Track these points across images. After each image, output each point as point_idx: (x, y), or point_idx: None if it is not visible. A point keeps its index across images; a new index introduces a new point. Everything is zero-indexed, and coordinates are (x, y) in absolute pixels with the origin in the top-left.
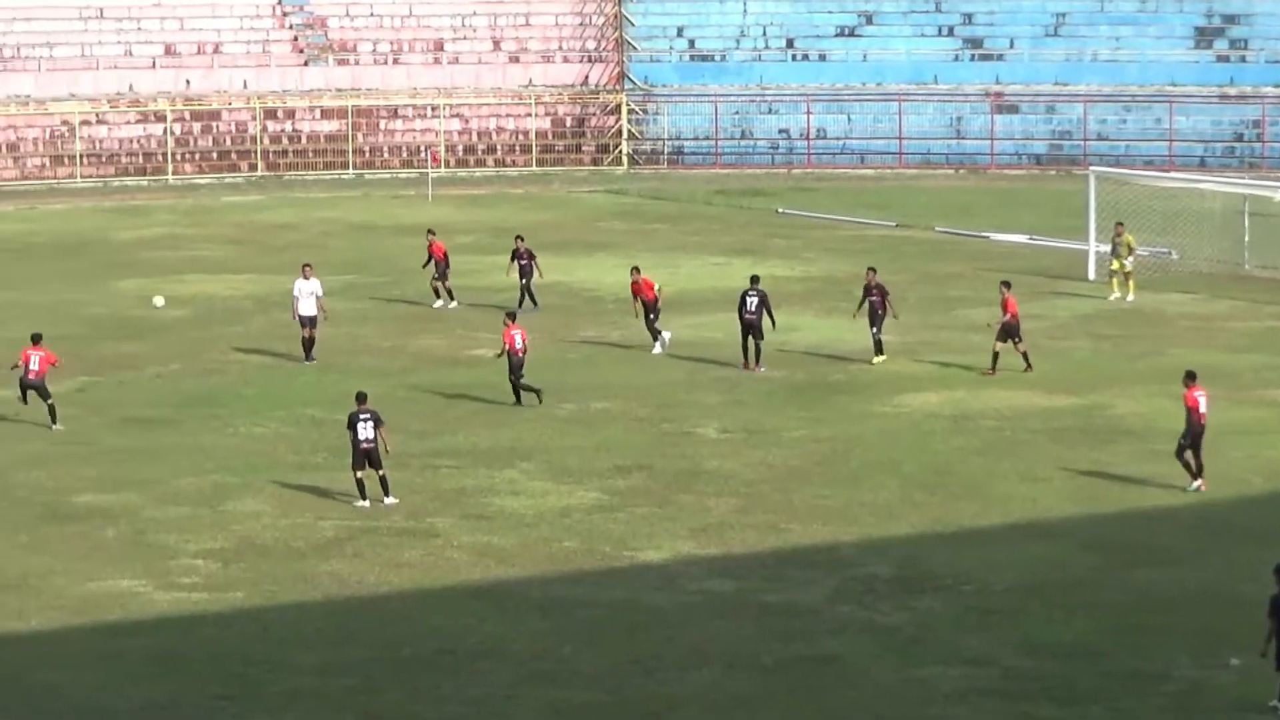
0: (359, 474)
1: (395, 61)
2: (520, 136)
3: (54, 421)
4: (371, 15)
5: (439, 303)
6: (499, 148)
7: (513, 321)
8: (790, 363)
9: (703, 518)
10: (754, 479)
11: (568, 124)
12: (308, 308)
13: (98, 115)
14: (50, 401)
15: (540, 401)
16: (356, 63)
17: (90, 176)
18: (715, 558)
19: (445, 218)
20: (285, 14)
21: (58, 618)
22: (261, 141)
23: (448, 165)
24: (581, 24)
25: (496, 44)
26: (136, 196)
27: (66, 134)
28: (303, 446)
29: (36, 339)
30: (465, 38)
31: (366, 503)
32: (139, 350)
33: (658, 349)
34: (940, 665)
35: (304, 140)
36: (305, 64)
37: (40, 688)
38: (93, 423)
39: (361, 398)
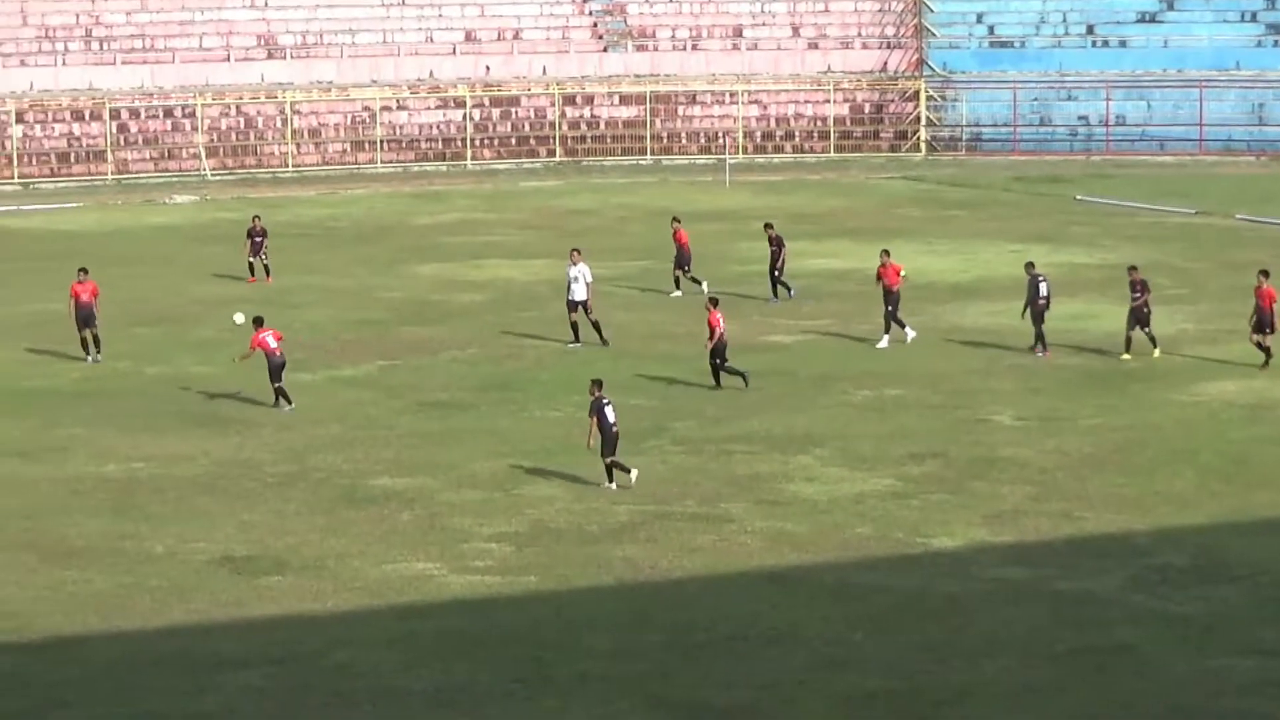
0: (609, 460)
1: (694, 48)
2: (818, 123)
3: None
4: (671, 2)
5: (676, 293)
6: (797, 134)
7: (715, 307)
8: (1086, 350)
9: (996, 505)
10: (1048, 466)
11: (866, 110)
12: (579, 292)
13: (398, 101)
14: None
15: (746, 385)
16: (655, 49)
17: (390, 162)
18: (1009, 545)
19: (742, 204)
20: (585, 1)
21: (354, 599)
22: (560, 127)
23: (745, 151)
24: (881, 10)
25: (795, 30)
26: (435, 182)
27: (368, 120)
28: None
29: (260, 322)
30: (764, 24)
31: (614, 485)
32: (436, 335)
33: (910, 334)
34: (1234, 656)
35: (602, 126)
36: (604, 50)
37: (337, 668)
38: (390, 406)
39: (599, 384)
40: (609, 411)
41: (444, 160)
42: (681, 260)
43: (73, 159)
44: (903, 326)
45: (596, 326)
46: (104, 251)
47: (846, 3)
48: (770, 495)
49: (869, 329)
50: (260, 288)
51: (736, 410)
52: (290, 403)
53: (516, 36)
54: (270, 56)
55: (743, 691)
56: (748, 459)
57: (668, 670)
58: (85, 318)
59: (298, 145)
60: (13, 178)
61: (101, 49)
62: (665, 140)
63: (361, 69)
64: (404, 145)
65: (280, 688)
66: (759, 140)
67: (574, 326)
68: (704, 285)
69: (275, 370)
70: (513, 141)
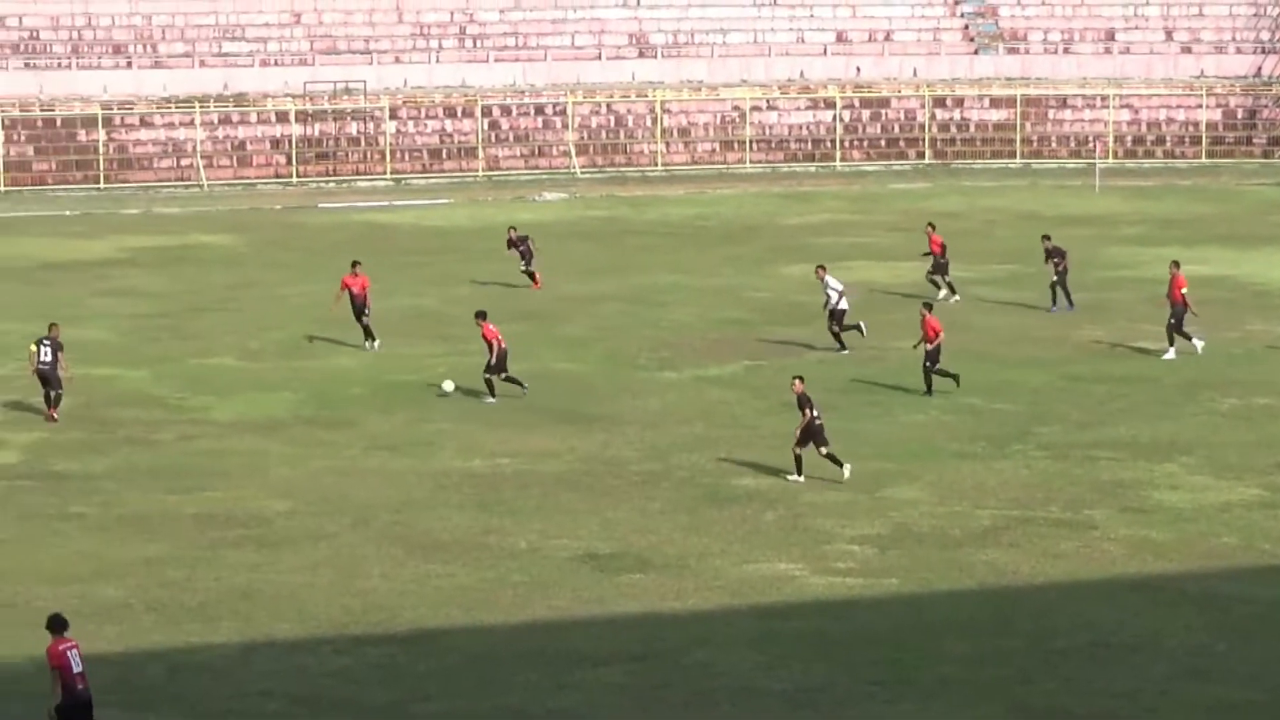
0: (800, 450)
1: (1065, 51)
2: (1190, 128)
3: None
4: (1043, 4)
5: (942, 293)
6: (1168, 139)
7: (929, 311)
8: None
9: None
10: None
11: (1239, 116)
12: (839, 302)
13: (768, 101)
14: (494, 378)
15: (958, 385)
16: (1026, 52)
17: (759, 162)
18: None
19: (1111, 209)
20: (957, 2)
21: (715, 598)
22: (930, 129)
23: (1115, 156)
24: (1255, 14)
25: (1169, 34)
26: (804, 182)
27: (737, 119)
28: (961, 434)
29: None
30: (1137, 28)
31: (800, 478)
32: (803, 335)
33: (1198, 343)
34: None
35: (972, 129)
36: (975, 53)
37: (697, 667)
38: (754, 406)
39: (801, 379)
40: (812, 410)
41: (813, 161)
42: (939, 267)
43: (444, 155)
44: (1189, 339)
45: (837, 336)
46: (473, 246)
47: (1221, 6)
48: (1134, 502)
49: (1237, 336)
50: (531, 292)
51: (1102, 416)
52: (493, 396)
53: (888, 38)
54: (641, 55)
55: (1103, 699)
56: (1112, 465)
57: (1028, 676)
58: (358, 309)
59: (667, 144)
60: (385, 173)
61: (475, 46)
62: (1035, 144)
63: (732, 69)
64: (773, 145)
65: (640, 685)
66: (1129, 145)
67: (836, 336)
68: (944, 293)
69: (501, 362)
70: (882, 143)
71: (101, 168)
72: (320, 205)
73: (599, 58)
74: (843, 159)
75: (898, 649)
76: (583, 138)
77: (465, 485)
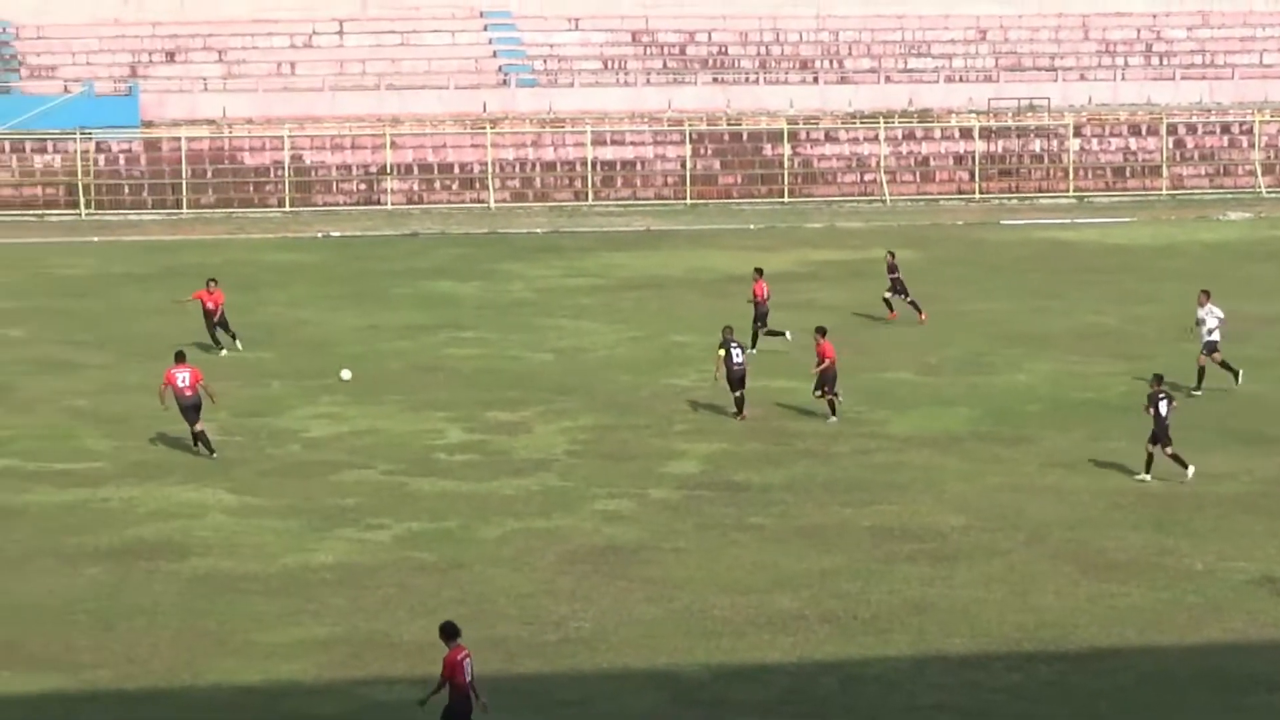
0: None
1: None
2: None
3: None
4: None
5: None
6: None
7: None
8: None
9: None
10: None
11: None
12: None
13: None
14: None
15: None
16: None
17: None
18: None
19: None
20: None
21: None
22: None
23: None
24: None
25: None
26: None
27: None
28: None
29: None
30: None
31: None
32: None
33: None
34: None
35: None
36: None
37: None
38: None
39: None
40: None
41: None
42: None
43: (1128, 173)
44: None
45: (1200, 371)
46: (1154, 265)
47: None
48: None
49: None
50: (903, 324)
51: None
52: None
53: None
54: None
55: None
56: None
57: None
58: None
59: None
60: (1068, 190)
61: (1160, 64)
62: None
63: None
64: None
65: None
66: None
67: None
68: None
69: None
70: None
71: (785, 181)
72: (1002, 222)
73: None
74: None
75: None
76: (1269, 157)
77: (1141, 505)
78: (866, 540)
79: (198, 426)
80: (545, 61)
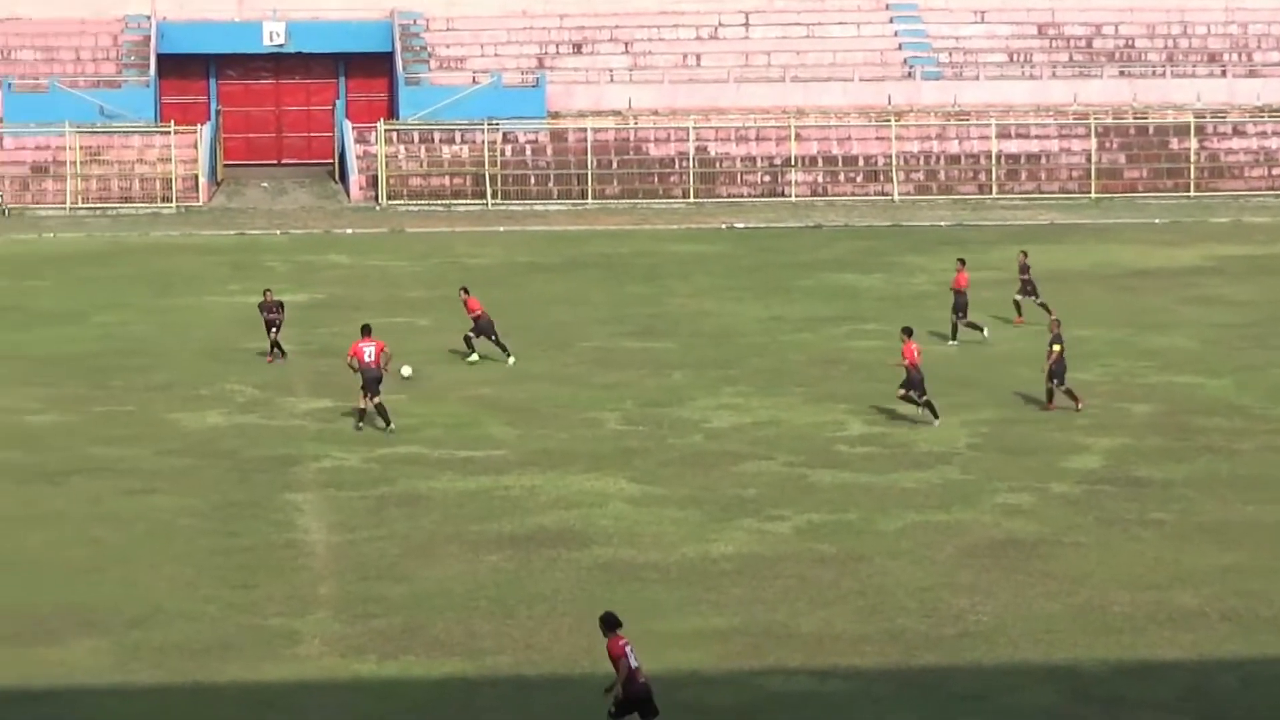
0: None
1: None
2: None
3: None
4: None
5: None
6: None
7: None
8: None
9: None
10: None
11: None
12: None
13: None
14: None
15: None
16: None
17: None
18: None
19: None
20: None
21: None
22: None
23: None
24: None
25: None
26: None
27: None
28: None
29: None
30: None
31: None
32: None
33: None
34: None
35: None
36: None
37: None
38: None
39: None
40: None
41: None
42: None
43: None
44: None
45: None
46: None
47: None
48: None
49: None
50: None
51: None
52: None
53: None
54: None
55: None
56: None
57: None
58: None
59: None
60: None
61: None
62: None
63: None
64: None
65: None
66: None
67: None
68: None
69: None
70: None
71: (1192, 176)
72: None
73: None
74: None
75: None
76: None
77: None
78: (1271, 538)
79: (377, 399)
80: (950, 54)
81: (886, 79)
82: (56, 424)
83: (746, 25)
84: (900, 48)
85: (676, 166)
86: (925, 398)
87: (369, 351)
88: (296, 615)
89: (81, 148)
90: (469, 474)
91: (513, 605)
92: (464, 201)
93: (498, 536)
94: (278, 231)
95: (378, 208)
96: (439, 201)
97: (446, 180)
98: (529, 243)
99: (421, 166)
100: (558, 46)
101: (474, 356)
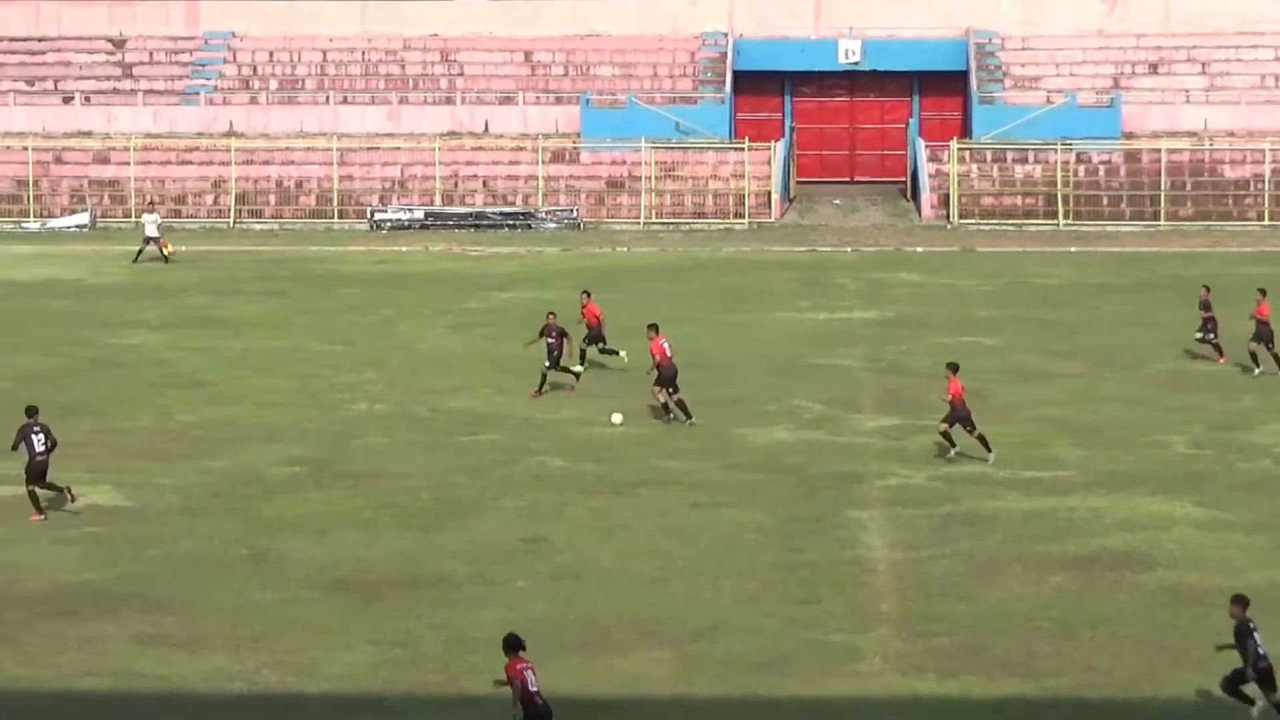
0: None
1: None
2: None
3: None
4: None
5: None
6: None
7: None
8: None
9: None
10: None
11: None
12: None
13: None
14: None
15: None
16: None
17: None
18: None
19: None
20: None
21: None
22: None
23: None
24: None
25: None
26: None
27: None
28: None
29: None
30: None
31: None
32: None
33: None
34: None
35: None
36: None
37: None
38: None
39: None
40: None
41: None
42: None
43: None
44: None
45: None
46: None
47: None
48: None
49: None
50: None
51: None
52: None
53: None
54: None
55: None
56: None
57: None
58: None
59: None
60: None
61: None
62: None
63: None
64: None
65: None
66: None
67: None
68: None
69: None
70: None
71: None
72: None
73: None
74: None
75: None
76: None
77: None
78: None
79: (676, 395)
80: None
81: None
82: (626, 435)
83: None
84: None
85: (1252, 189)
86: (978, 431)
87: (670, 347)
88: (858, 632)
89: (656, 163)
90: (1033, 494)
91: (1074, 627)
92: (1035, 221)
93: (1061, 557)
94: (849, 249)
95: (949, 226)
96: (1010, 221)
97: (1018, 200)
98: (1100, 263)
99: (993, 185)
100: (1134, 66)
101: (581, 366)
